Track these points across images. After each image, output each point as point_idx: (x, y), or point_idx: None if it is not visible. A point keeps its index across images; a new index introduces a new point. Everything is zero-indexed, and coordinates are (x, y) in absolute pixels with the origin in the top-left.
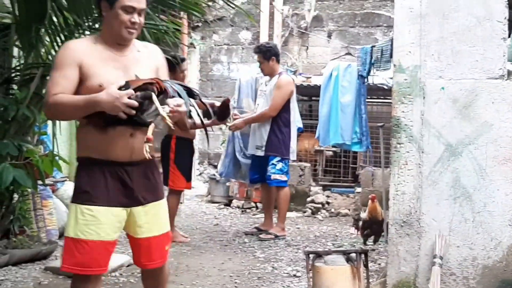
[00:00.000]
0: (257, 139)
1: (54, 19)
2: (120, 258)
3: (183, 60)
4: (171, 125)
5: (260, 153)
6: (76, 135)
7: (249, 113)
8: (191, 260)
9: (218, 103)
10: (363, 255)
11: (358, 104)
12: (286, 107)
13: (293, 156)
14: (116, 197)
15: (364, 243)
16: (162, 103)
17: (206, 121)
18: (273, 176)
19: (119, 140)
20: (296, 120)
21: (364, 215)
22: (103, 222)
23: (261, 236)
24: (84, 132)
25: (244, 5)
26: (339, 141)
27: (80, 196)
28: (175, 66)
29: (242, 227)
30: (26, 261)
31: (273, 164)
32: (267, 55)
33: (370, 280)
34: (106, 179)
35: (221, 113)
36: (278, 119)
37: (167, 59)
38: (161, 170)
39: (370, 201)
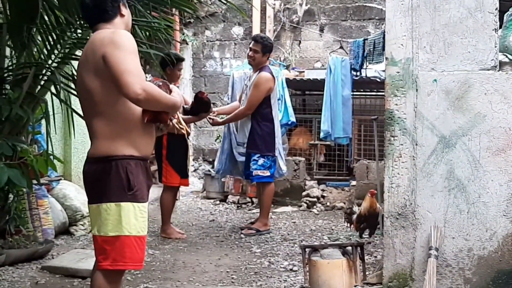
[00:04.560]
0: (240, 137)
1: (46, 18)
2: None
3: (182, 59)
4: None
5: (243, 150)
6: (117, 133)
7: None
8: (187, 257)
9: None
10: (359, 248)
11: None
12: (266, 103)
13: (277, 152)
14: (147, 192)
15: (360, 236)
16: None
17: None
18: (254, 172)
19: (153, 137)
20: (289, 115)
21: (359, 208)
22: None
23: (242, 232)
24: (130, 129)
25: (235, 0)
26: (341, 135)
27: (136, 195)
28: (169, 64)
29: (238, 222)
30: (23, 261)
31: (254, 160)
32: (266, 49)
33: (367, 273)
34: (143, 176)
35: (197, 108)
36: (258, 116)
37: (163, 57)
38: (156, 167)
39: (369, 196)
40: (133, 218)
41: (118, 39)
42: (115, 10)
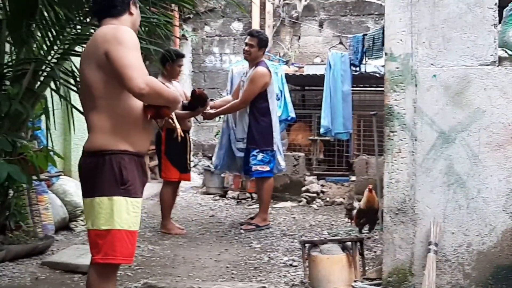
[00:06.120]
0: (239, 132)
1: (45, 14)
2: None
3: (182, 56)
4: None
5: (242, 145)
6: (113, 127)
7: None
8: (187, 252)
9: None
10: (358, 244)
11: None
12: (263, 98)
13: (275, 146)
14: (142, 188)
15: (360, 232)
16: None
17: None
18: (254, 168)
19: (150, 134)
20: (289, 110)
21: (360, 204)
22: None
23: (242, 227)
24: (127, 125)
25: None
26: (341, 130)
27: (128, 190)
28: (169, 60)
29: (238, 218)
30: (23, 257)
31: (253, 155)
32: (262, 43)
33: (366, 268)
34: (138, 171)
35: (194, 103)
36: (256, 111)
37: (163, 54)
38: (156, 162)
39: (367, 191)
40: (125, 212)
41: (120, 35)
42: (124, 7)
